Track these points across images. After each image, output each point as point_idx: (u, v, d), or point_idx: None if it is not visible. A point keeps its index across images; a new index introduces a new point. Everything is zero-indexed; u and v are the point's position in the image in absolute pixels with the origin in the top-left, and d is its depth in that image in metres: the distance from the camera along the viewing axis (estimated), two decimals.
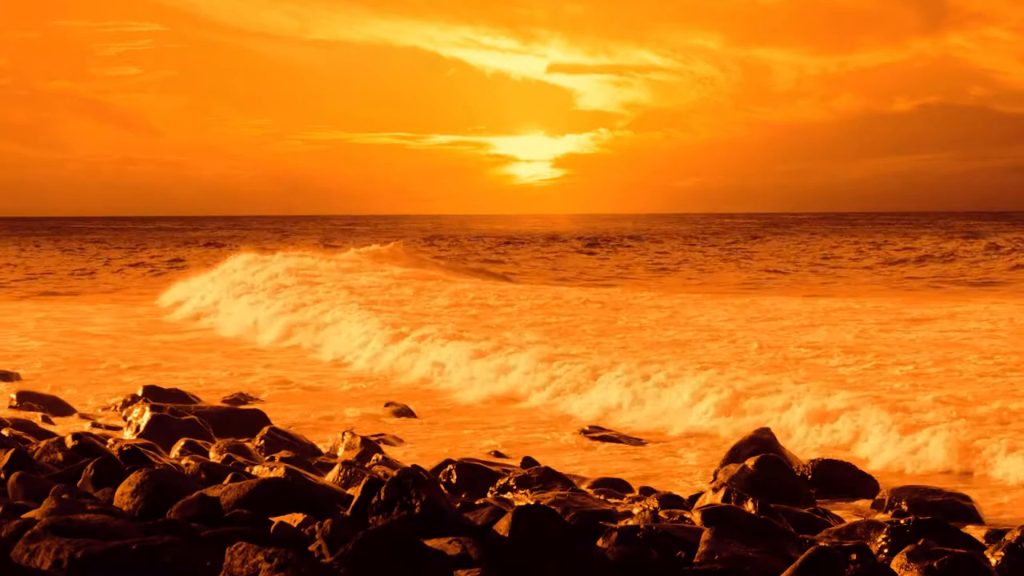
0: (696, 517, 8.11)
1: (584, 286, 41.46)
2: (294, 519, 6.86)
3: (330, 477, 10.65)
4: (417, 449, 13.79)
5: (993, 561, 7.48)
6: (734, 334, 22.61)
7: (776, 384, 15.81)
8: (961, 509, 10.31)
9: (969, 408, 14.03)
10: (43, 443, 10.38)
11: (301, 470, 10.15)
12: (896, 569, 6.86)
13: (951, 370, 17.60)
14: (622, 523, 8.41)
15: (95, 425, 14.46)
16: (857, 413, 13.73)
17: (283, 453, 12.20)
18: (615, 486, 11.29)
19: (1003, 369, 17.56)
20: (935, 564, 6.80)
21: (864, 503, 11.00)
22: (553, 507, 8.27)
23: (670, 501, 10.05)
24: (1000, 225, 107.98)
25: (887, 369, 17.80)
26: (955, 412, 13.59)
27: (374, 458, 12.20)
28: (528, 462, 12.15)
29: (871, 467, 12.37)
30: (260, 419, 14.42)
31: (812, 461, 11.74)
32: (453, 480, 11.26)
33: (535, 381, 17.32)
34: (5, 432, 12.07)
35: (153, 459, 10.19)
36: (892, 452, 12.71)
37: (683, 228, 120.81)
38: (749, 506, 8.87)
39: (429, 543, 6.10)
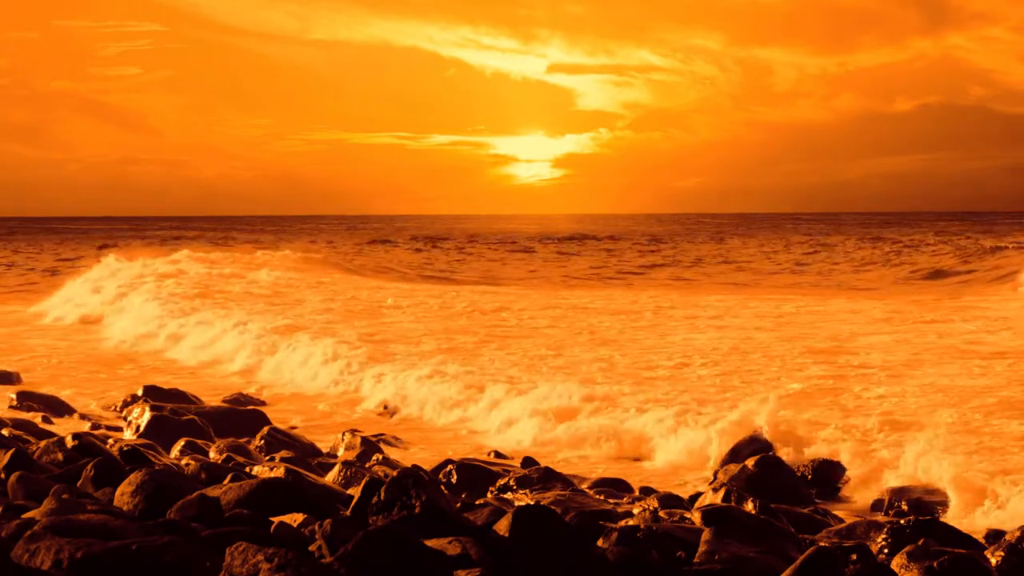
0: (696, 517, 8.11)
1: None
2: (294, 519, 6.85)
3: (330, 477, 10.64)
4: (417, 449, 13.79)
5: (993, 561, 7.48)
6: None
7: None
8: None
9: None
10: (43, 443, 10.37)
11: (301, 470, 10.14)
12: (896, 569, 6.86)
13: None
14: (622, 523, 8.40)
15: (95, 425, 14.45)
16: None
17: (283, 453, 12.19)
18: (615, 486, 11.29)
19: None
20: (935, 564, 6.80)
21: (864, 503, 11.00)
22: (553, 507, 8.26)
23: (670, 501, 10.06)
24: (971, 226, 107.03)
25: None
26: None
27: (374, 458, 12.21)
28: (528, 462, 12.15)
29: None
30: (260, 419, 14.42)
31: (812, 461, 11.74)
32: (453, 480, 11.26)
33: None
34: (5, 432, 12.06)
35: (153, 459, 10.18)
36: None
37: (660, 228, 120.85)
38: (749, 506, 8.87)
39: (429, 543, 6.09)
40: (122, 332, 25.72)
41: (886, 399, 14.94)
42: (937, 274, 45.50)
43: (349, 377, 18.20)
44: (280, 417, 15.32)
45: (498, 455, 13.19)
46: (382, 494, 6.85)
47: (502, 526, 6.49)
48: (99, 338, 25.74)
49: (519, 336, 22.94)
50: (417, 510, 6.70)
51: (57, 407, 15.85)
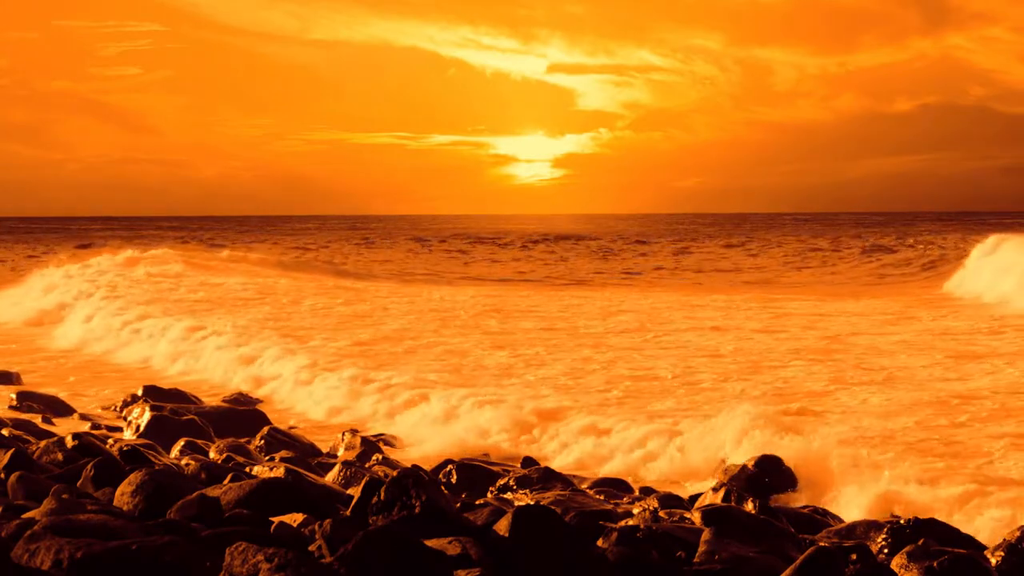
0: (696, 517, 8.11)
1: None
2: (294, 519, 6.85)
3: (330, 477, 10.64)
4: (417, 449, 13.77)
5: (993, 561, 7.47)
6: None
7: None
8: None
9: None
10: (43, 443, 10.37)
11: (301, 470, 10.14)
12: (896, 569, 6.86)
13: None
14: (622, 523, 8.40)
15: (95, 426, 14.45)
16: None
17: (283, 453, 12.20)
18: (615, 486, 11.29)
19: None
20: (935, 564, 6.79)
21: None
22: (553, 507, 8.26)
23: (670, 501, 10.05)
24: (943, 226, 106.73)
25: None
26: None
27: (374, 458, 12.20)
28: (528, 462, 12.14)
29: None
30: (260, 419, 14.42)
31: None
32: (453, 480, 11.26)
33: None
34: (5, 432, 12.07)
35: (153, 459, 10.18)
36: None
37: (657, 228, 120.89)
38: (749, 506, 8.87)
39: (429, 543, 6.09)
40: (66, 336, 25.40)
41: (864, 402, 15.02)
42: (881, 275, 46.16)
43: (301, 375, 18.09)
44: (280, 417, 15.32)
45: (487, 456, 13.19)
46: (382, 494, 6.85)
47: (502, 526, 6.49)
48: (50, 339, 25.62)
49: (499, 334, 22.99)
50: (417, 510, 6.69)
51: (57, 407, 15.86)
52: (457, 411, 14.78)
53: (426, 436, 14.17)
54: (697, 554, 7.13)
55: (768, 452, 11.26)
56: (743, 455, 11.54)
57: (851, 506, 10.33)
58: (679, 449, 12.58)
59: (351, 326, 25.11)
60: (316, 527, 6.55)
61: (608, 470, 12.34)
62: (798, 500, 10.56)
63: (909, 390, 15.67)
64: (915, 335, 22.21)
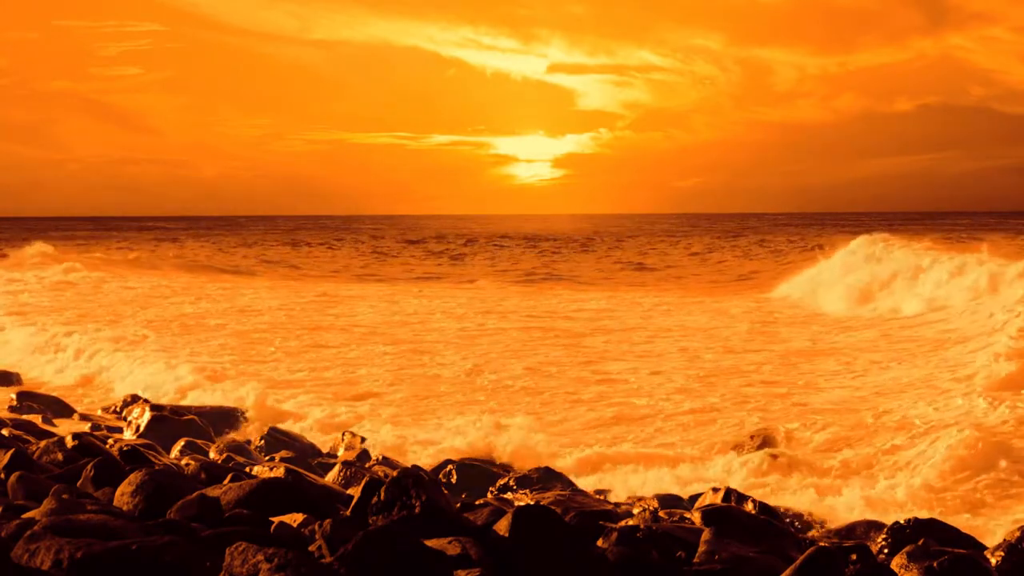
0: (696, 517, 8.11)
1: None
2: (294, 519, 6.85)
3: (330, 477, 10.64)
4: (417, 449, 13.75)
5: (993, 561, 7.48)
6: None
7: None
8: None
9: None
10: (43, 443, 10.36)
11: (301, 470, 10.14)
12: (896, 569, 6.86)
13: None
14: (622, 523, 8.40)
15: (95, 426, 14.44)
16: None
17: (283, 453, 12.20)
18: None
19: None
20: (935, 564, 6.80)
21: None
22: (553, 507, 8.26)
23: (670, 501, 10.05)
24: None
25: None
26: None
27: (374, 458, 12.20)
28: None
29: None
30: None
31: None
32: (453, 480, 11.26)
33: None
34: (5, 432, 12.06)
35: (153, 459, 10.18)
36: None
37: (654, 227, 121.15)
38: (749, 506, 8.87)
39: (429, 543, 6.09)
40: None
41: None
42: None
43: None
44: (280, 417, 15.29)
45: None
46: (382, 494, 6.84)
47: (502, 526, 6.48)
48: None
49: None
50: (417, 510, 6.69)
51: (57, 407, 15.85)
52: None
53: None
54: (697, 554, 7.13)
55: None
56: None
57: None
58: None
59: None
60: (316, 527, 6.55)
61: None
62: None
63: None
64: None
